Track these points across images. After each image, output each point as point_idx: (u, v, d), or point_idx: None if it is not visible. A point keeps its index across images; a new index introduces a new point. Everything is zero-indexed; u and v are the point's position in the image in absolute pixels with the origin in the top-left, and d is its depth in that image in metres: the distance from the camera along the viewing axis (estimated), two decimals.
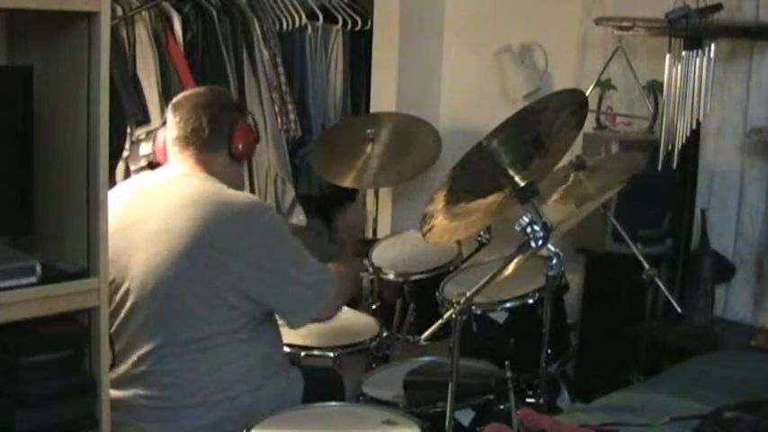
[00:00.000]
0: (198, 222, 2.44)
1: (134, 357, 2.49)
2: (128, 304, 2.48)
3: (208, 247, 2.43)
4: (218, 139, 2.58)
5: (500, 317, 2.88)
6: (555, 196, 2.97)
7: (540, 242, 2.21)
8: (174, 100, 2.66)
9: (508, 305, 2.87)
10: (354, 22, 4.32)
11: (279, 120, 3.93)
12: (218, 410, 2.47)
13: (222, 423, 2.46)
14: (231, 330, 2.49)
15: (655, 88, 3.39)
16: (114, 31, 3.19)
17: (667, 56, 3.01)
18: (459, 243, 3.25)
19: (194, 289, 2.44)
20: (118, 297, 2.49)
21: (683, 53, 2.99)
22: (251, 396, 2.51)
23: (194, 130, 2.56)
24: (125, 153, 3.40)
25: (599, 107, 3.62)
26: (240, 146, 2.60)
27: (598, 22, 3.46)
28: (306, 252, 2.59)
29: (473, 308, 2.79)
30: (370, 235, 4.00)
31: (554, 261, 2.41)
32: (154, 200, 2.55)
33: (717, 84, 3.20)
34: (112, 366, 2.36)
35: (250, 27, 3.85)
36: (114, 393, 2.35)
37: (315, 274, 2.56)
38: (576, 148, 3.05)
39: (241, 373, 2.50)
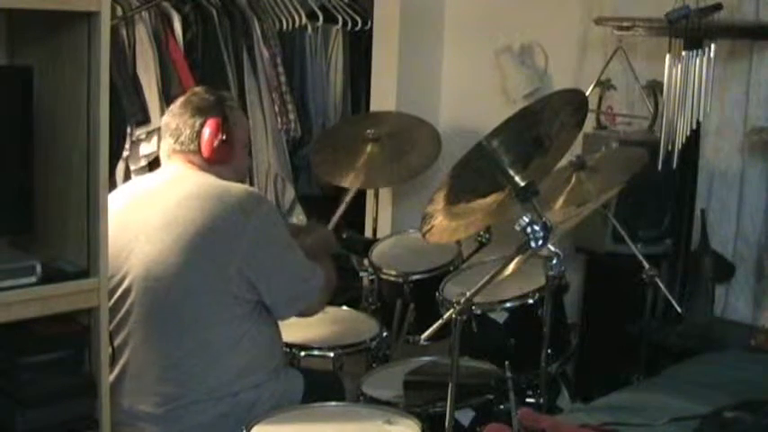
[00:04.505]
0: (202, 211, 2.48)
1: (135, 352, 2.50)
2: (129, 299, 2.50)
3: (213, 234, 2.47)
4: (192, 145, 2.61)
5: (500, 317, 2.88)
6: (560, 200, 2.97)
7: (540, 242, 2.21)
8: (167, 111, 2.71)
9: (508, 305, 2.87)
10: (354, 22, 4.32)
11: (279, 120, 3.93)
12: (220, 406, 2.48)
13: (223, 419, 2.47)
14: (233, 323, 2.51)
15: (655, 88, 3.39)
16: (114, 31, 3.19)
17: (667, 56, 3.01)
18: (459, 243, 3.25)
19: (199, 276, 2.47)
20: (119, 293, 2.50)
21: (683, 53, 2.99)
22: (252, 392, 2.52)
23: (175, 140, 2.62)
24: (125, 153, 3.40)
25: (599, 107, 3.62)
26: (206, 151, 2.60)
27: (598, 22, 3.46)
28: (297, 246, 2.66)
29: (473, 308, 2.79)
30: (370, 235, 4.01)
31: (554, 261, 2.41)
32: (155, 198, 2.58)
33: (717, 84, 3.19)
34: (112, 362, 2.38)
35: (250, 27, 3.85)
36: (113, 389, 2.36)
37: (306, 268, 2.64)
38: (576, 148, 3.05)
39: (242, 369, 2.52)
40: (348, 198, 3.31)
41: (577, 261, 3.62)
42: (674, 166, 3.12)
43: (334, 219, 3.21)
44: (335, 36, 4.32)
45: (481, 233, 3.34)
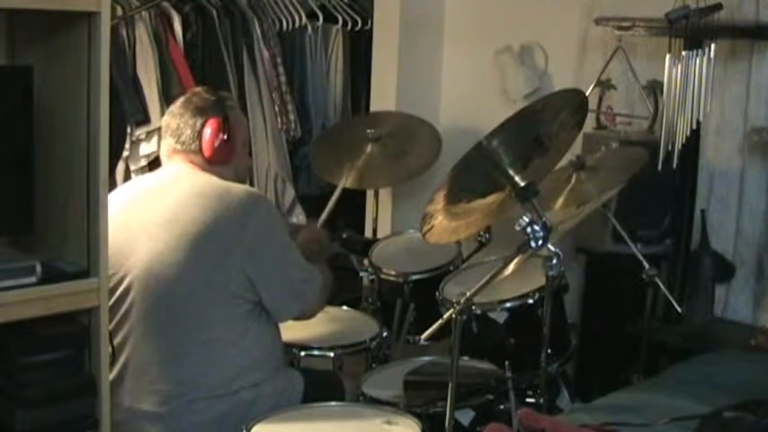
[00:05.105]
0: (203, 210, 2.49)
1: (135, 351, 2.50)
2: (129, 297, 2.50)
3: (213, 233, 2.47)
4: (193, 145, 2.61)
5: (500, 317, 2.87)
6: (560, 200, 2.97)
7: (540, 242, 2.21)
8: (167, 111, 2.71)
9: (508, 305, 2.87)
10: (354, 22, 4.32)
11: (279, 120, 3.93)
12: (220, 405, 2.48)
13: (223, 418, 2.47)
14: (233, 321, 2.51)
15: (655, 88, 3.39)
16: (114, 31, 3.19)
17: (667, 56, 3.01)
18: (459, 243, 3.25)
19: (199, 275, 2.47)
20: (119, 291, 2.50)
21: (683, 53, 2.99)
22: (252, 391, 2.52)
23: (176, 139, 2.62)
24: (125, 153, 3.40)
25: (599, 107, 3.62)
26: (207, 151, 2.60)
27: (598, 22, 3.46)
28: (297, 248, 2.67)
29: (473, 308, 2.79)
30: (370, 235, 4.01)
31: (554, 261, 2.41)
32: (155, 197, 2.58)
33: (717, 84, 3.19)
34: (112, 362, 2.38)
35: (250, 27, 3.85)
36: (113, 389, 2.35)
37: (305, 270, 2.65)
38: (576, 148, 3.05)
39: (242, 368, 2.52)
40: (336, 195, 3.30)
41: (577, 261, 3.62)
42: (674, 166, 3.12)
43: (323, 216, 3.20)
44: (335, 36, 4.32)
45: (481, 233, 3.33)
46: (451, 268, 3.21)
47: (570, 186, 3.00)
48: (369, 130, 3.65)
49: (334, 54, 4.32)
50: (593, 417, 2.39)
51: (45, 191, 2.15)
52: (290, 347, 2.87)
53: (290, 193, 3.96)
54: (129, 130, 3.38)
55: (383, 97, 4.17)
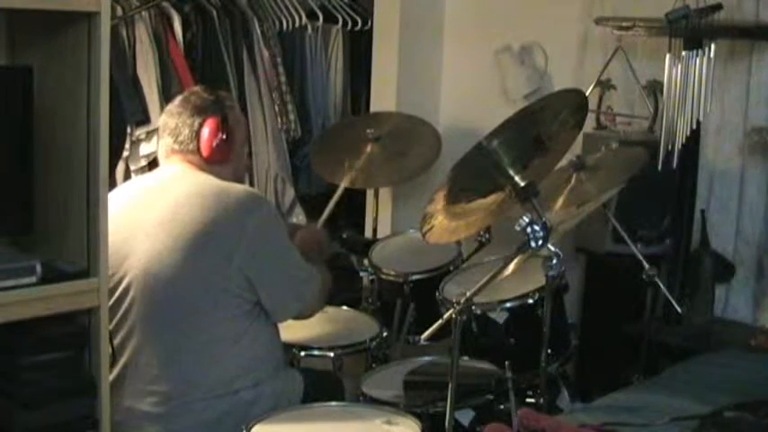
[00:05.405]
0: (202, 210, 2.48)
1: (134, 351, 2.50)
2: (128, 298, 2.50)
3: (212, 233, 2.47)
4: (191, 144, 2.60)
5: (500, 317, 2.87)
6: (560, 200, 2.97)
7: (540, 242, 2.21)
8: (164, 111, 2.71)
9: (508, 305, 2.87)
10: (354, 22, 4.32)
11: (279, 120, 3.93)
12: (220, 405, 2.48)
13: (223, 418, 2.47)
14: (232, 321, 2.51)
15: (655, 88, 3.39)
16: (114, 31, 3.19)
17: (667, 56, 3.01)
18: (459, 243, 3.25)
19: (198, 275, 2.46)
20: (118, 291, 2.50)
21: (683, 53, 2.99)
22: (251, 391, 2.52)
23: (174, 139, 2.61)
24: (125, 153, 3.40)
25: (599, 107, 3.62)
26: (206, 151, 2.59)
27: (598, 22, 3.46)
28: (296, 248, 2.67)
29: (473, 308, 2.79)
30: (370, 235, 4.01)
31: (554, 261, 2.41)
32: (154, 197, 2.57)
33: (717, 84, 3.19)
34: (112, 362, 2.37)
35: (250, 27, 3.85)
36: (113, 389, 2.35)
37: (304, 270, 2.64)
38: (576, 148, 3.05)
39: (242, 368, 2.52)
40: (336, 196, 3.30)
41: (577, 261, 3.62)
42: (674, 166, 3.12)
43: (323, 217, 3.20)
44: (335, 36, 4.32)
45: (481, 233, 3.34)
46: (451, 268, 3.21)
47: (570, 186, 3.00)
48: (369, 130, 3.65)
49: (334, 54, 4.32)
50: (593, 417, 2.39)
51: (45, 191, 2.15)
52: (290, 347, 2.87)
53: (290, 193, 3.96)
54: (129, 130, 3.38)
55: (383, 97, 4.17)
